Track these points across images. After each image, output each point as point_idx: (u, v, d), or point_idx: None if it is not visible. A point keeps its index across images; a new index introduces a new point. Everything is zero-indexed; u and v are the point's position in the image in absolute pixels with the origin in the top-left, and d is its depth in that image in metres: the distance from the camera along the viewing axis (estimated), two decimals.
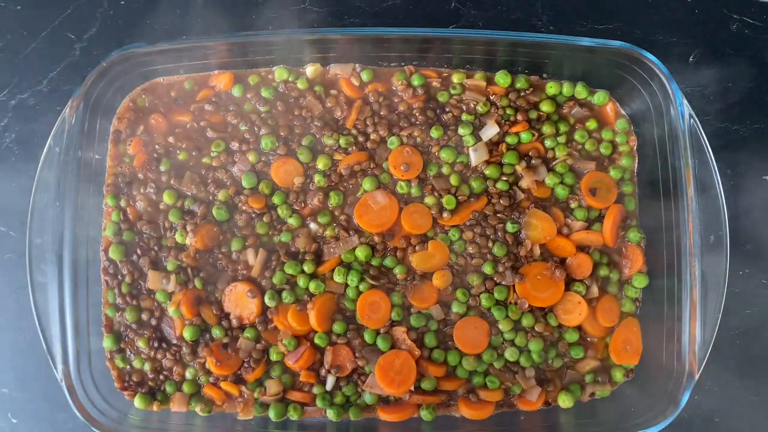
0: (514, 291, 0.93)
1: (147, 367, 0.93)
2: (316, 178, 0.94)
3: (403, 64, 0.98)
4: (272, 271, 0.93)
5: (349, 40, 0.93)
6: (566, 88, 0.98)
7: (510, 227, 0.94)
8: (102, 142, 0.96)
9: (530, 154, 0.97)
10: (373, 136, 0.95)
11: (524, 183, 0.96)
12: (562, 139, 0.97)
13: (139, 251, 0.94)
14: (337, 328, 0.92)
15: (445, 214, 0.94)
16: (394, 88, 0.98)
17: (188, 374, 0.93)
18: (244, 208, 0.94)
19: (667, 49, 1.04)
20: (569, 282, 0.94)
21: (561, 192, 0.96)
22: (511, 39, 0.92)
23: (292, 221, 0.94)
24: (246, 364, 0.93)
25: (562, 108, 0.99)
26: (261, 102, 0.96)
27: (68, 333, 0.88)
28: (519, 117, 0.97)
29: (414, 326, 0.93)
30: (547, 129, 0.97)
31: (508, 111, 0.97)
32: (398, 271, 0.93)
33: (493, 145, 0.96)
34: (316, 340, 0.93)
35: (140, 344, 0.93)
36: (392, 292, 0.93)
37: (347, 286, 0.93)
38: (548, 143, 0.97)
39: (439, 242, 0.94)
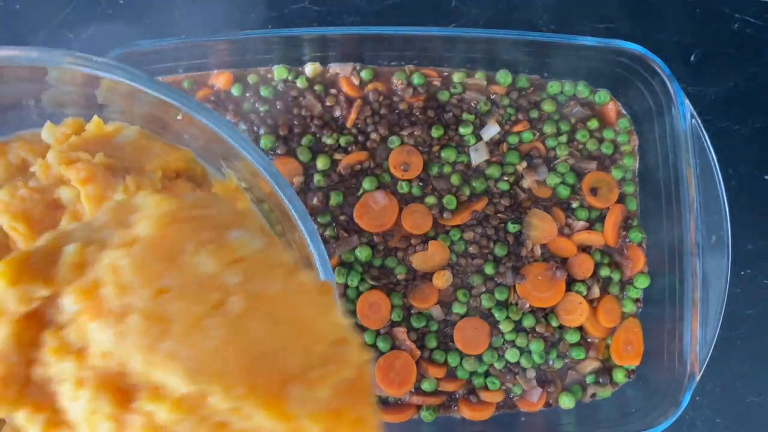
0: (515, 291, 0.93)
1: None
2: (316, 177, 0.94)
3: (403, 63, 0.97)
4: None
5: (349, 39, 0.93)
6: (567, 88, 0.98)
7: (511, 227, 0.94)
8: None
9: (531, 153, 0.96)
10: (373, 136, 0.95)
11: (525, 183, 0.95)
12: (563, 138, 0.97)
13: None
14: None
15: (445, 214, 0.93)
16: (394, 87, 0.97)
17: None
18: None
19: (668, 49, 1.04)
20: (570, 282, 0.94)
21: (562, 192, 0.95)
22: (512, 38, 0.91)
23: None
24: None
25: (564, 107, 0.98)
26: (260, 101, 0.96)
27: None
28: (520, 116, 0.97)
29: (414, 327, 0.92)
30: (548, 128, 0.96)
31: (509, 110, 0.97)
32: (398, 272, 0.93)
33: (494, 145, 0.96)
34: None
35: None
36: (392, 293, 0.93)
37: (347, 286, 0.93)
38: (549, 143, 0.97)
39: (440, 242, 0.93)
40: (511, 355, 0.92)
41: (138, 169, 0.61)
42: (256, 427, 0.41)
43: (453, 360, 0.92)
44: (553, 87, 0.98)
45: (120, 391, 0.42)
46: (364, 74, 0.97)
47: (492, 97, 0.97)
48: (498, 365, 0.92)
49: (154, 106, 0.64)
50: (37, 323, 0.45)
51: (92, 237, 0.46)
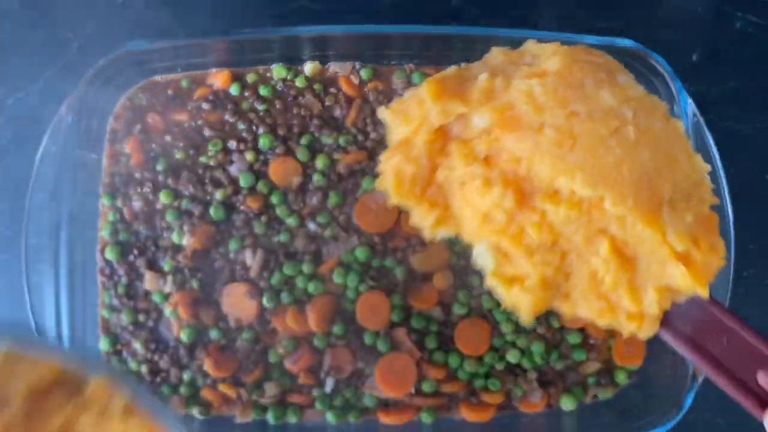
0: None
1: (144, 369, 0.92)
2: (315, 177, 0.94)
3: (403, 62, 0.97)
4: (271, 271, 0.92)
5: (349, 38, 0.92)
6: None
7: None
8: (99, 142, 0.95)
9: None
10: (372, 135, 0.95)
11: None
12: None
13: (135, 252, 0.93)
14: (337, 329, 0.92)
15: None
16: (394, 86, 0.97)
17: (186, 376, 0.92)
18: (242, 207, 0.93)
19: (670, 48, 1.03)
20: None
21: None
22: (512, 37, 0.91)
23: (291, 221, 0.93)
24: (244, 366, 0.92)
25: None
26: (259, 100, 0.95)
27: (64, 335, 0.87)
28: None
29: (414, 328, 0.92)
30: None
31: None
32: (398, 272, 0.92)
33: None
34: (316, 342, 0.92)
35: (137, 346, 0.92)
36: (392, 293, 0.92)
37: (346, 287, 0.92)
38: None
39: (440, 242, 0.93)
40: (512, 356, 0.92)
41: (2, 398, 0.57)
42: (630, 235, 0.52)
43: (453, 361, 0.91)
44: None
45: (521, 191, 0.54)
46: (364, 73, 0.96)
47: None
48: (499, 366, 0.92)
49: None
50: (445, 136, 0.58)
51: (494, 71, 0.58)
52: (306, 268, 0.92)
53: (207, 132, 0.95)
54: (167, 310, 0.92)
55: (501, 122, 0.55)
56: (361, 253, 0.92)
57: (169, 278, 0.92)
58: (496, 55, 0.63)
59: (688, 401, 0.86)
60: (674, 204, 0.53)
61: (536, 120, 0.54)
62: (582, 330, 0.94)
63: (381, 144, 0.95)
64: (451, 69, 0.64)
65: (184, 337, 0.91)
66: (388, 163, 0.62)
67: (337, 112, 0.96)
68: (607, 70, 0.57)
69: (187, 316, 0.91)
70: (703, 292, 0.57)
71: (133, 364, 0.93)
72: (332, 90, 0.96)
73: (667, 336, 0.63)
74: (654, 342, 0.93)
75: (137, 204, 0.94)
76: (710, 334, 0.59)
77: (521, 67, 0.58)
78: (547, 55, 0.57)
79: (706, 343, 0.59)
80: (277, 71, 0.96)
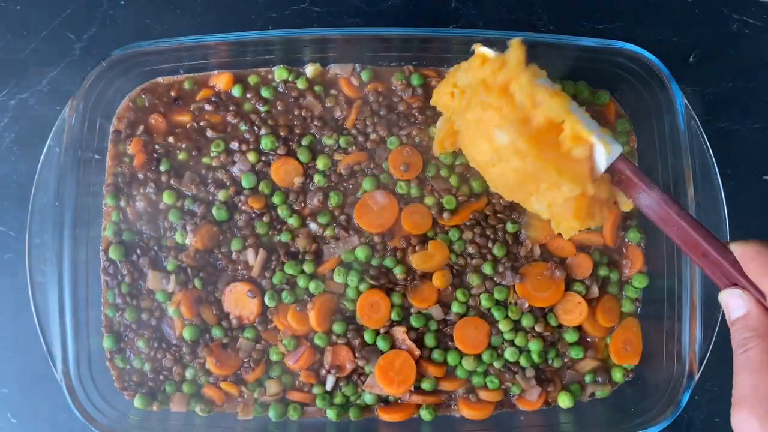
0: (514, 291, 0.93)
1: (147, 367, 0.93)
2: (316, 178, 0.94)
3: (402, 63, 0.98)
4: (272, 271, 0.93)
5: (349, 40, 0.93)
6: (567, 88, 0.98)
7: (510, 227, 0.94)
8: (102, 142, 0.96)
9: None
10: (372, 136, 0.95)
11: None
12: None
13: (138, 251, 0.94)
14: (337, 328, 0.92)
15: (445, 214, 0.94)
16: (393, 87, 0.98)
17: (188, 374, 0.93)
18: (244, 208, 0.94)
19: (668, 49, 1.04)
20: (569, 282, 0.94)
21: None
22: (511, 39, 0.91)
23: (292, 221, 0.94)
24: (246, 365, 0.93)
25: None
26: (261, 102, 0.96)
27: (68, 333, 0.88)
28: None
29: (414, 326, 0.93)
30: None
31: None
32: (398, 271, 0.93)
33: None
34: (316, 341, 0.93)
35: (140, 344, 0.93)
36: (392, 292, 0.93)
37: (347, 286, 0.93)
38: None
39: (439, 242, 0.94)
40: (511, 354, 0.93)
41: None
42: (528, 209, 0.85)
43: (452, 359, 0.92)
44: None
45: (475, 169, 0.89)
46: (364, 75, 0.97)
47: None
48: (497, 364, 0.93)
49: None
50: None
51: (467, 86, 0.83)
52: (307, 267, 0.93)
53: (209, 133, 0.96)
54: (170, 309, 0.93)
55: (454, 133, 0.87)
56: (361, 253, 0.93)
57: (172, 277, 0.93)
58: (472, 65, 0.82)
59: (685, 399, 0.86)
60: (541, 192, 0.80)
61: (467, 145, 0.84)
62: (579, 328, 0.95)
63: (381, 144, 0.96)
64: (449, 74, 0.87)
65: (186, 335, 0.92)
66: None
67: (338, 114, 0.97)
68: (487, 129, 0.78)
69: (189, 314, 0.92)
70: (565, 237, 0.85)
71: (136, 362, 0.94)
72: (333, 91, 0.97)
73: (644, 211, 0.79)
74: (651, 341, 0.94)
75: (140, 204, 0.95)
76: (668, 222, 0.75)
77: (473, 97, 0.80)
78: (479, 95, 0.79)
79: (667, 228, 0.76)
80: (279, 73, 0.97)
